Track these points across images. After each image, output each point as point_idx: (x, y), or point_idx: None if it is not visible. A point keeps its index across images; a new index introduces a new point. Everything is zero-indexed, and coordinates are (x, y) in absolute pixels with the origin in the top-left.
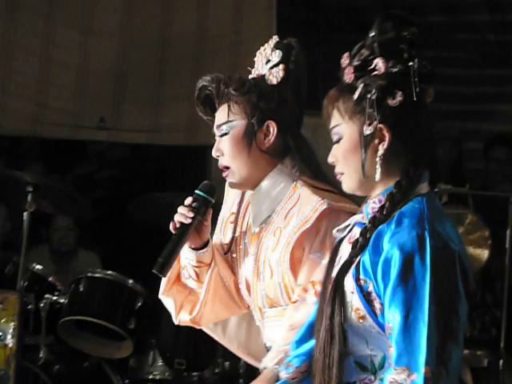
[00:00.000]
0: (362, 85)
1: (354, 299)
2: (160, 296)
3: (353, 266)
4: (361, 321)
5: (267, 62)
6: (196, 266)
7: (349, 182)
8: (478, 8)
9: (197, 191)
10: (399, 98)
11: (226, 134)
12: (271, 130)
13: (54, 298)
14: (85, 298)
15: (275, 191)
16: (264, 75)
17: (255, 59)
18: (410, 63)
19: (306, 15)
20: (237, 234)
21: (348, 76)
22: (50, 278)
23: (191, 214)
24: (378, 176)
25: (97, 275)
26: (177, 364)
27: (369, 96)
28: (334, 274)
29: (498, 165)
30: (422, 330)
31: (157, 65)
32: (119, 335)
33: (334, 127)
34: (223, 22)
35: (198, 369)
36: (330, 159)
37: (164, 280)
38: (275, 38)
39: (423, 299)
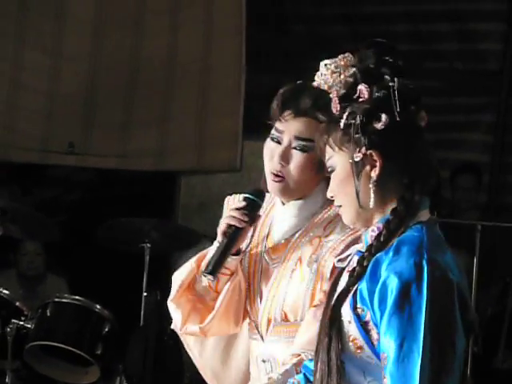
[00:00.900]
0: (346, 113)
1: (351, 329)
2: (169, 302)
3: (350, 295)
4: (358, 351)
5: None
6: (221, 273)
7: (347, 214)
8: (447, 37)
9: (248, 195)
10: (384, 120)
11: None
12: None
13: (21, 322)
14: (52, 323)
15: (312, 208)
16: None
17: None
18: (391, 83)
19: (275, 42)
20: (253, 244)
21: (335, 107)
22: (17, 303)
23: (246, 218)
24: (371, 203)
25: (64, 300)
26: None
27: (354, 122)
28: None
29: (464, 193)
30: (416, 361)
31: (126, 90)
32: (86, 360)
33: (327, 161)
34: (193, 48)
35: None
36: (329, 193)
37: (175, 286)
38: None
39: (418, 329)
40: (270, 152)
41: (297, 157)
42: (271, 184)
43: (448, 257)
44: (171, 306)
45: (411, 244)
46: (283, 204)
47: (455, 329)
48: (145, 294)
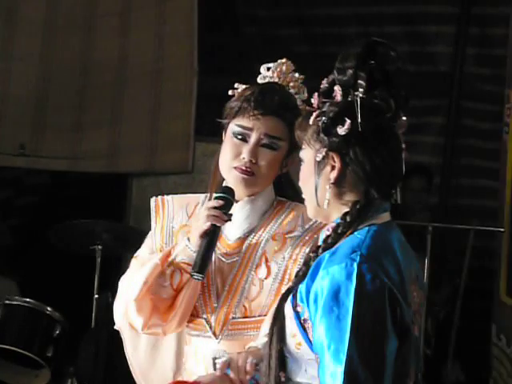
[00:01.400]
0: (318, 111)
1: (291, 325)
2: (130, 302)
3: (292, 293)
4: (298, 347)
5: None
6: (185, 271)
7: (308, 208)
8: (398, 39)
9: (222, 194)
10: (347, 126)
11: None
12: None
13: None
14: (2, 326)
15: (265, 205)
16: None
17: None
18: (356, 93)
19: (228, 43)
20: None
21: (314, 101)
22: None
23: (225, 217)
24: (325, 204)
25: (14, 302)
26: None
27: (321, 121)
28: None
29: (415, 195)
30: (342, 362)
31: (77, 91)
32: (37, 363)
33: (300, 152)
34: (144, 50)
35: None
36: (300, 183)
37: (138, 284)
38: None
39: (345, 332)
40: (236, 148)
41: (266, 154)
42: (238, 178)
43: (389, 259)
44: (132, 305)
45: (348, 247)
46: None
47: (383, 331)
48: (96, 295)
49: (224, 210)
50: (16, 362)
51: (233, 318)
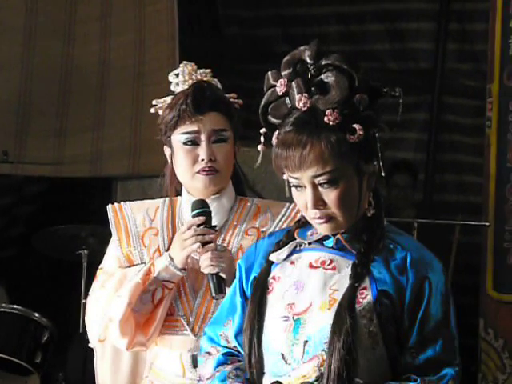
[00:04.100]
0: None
1: (368, 324)
2: (115, 324)
3: (367, 292)
4: (374, 347)
5: None
6: (170, 288)
7: (345, 221)
8: (379, 37)
9: (201, 209)
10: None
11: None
12: None
13: None
14: None
15: (229, 202)
16: None
17: None
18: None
19: (209, 45)
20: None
21: (332, 117)
22: None
23: (212, 232)
24: (371, 210)
25: (2, 309)
26: None
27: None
28: (291, 299)
29: (400, 191)
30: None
31: (59, 96)
32: (26, 369)
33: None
34: (125, 54)
35: None
36: (335, 206)
37: (122, 306)
38: None
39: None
40: (190, 155)
41: (220, 148)
42: (204, 180)
43: None
44: (116, 327)
45: (421, 246)
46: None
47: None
48: (83, 300)
49: (208, 225)
50: (4, 368)
51: (212, 314)
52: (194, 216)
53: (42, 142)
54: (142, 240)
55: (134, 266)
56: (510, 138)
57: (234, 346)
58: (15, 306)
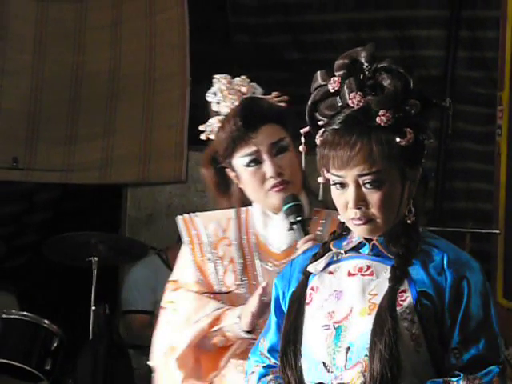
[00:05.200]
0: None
1: (410, 327)
2: (172, 360)
3: (407, 294)
4: (417, 349)
5: None
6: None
7: (386, 223)
8: (389, 44)
9: (291, 204)
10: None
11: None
12: None
13: None
14: (0, 340)
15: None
16: None
17: None
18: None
19: (219, 53)
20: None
21: (408, 136)
22: None
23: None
24: (413, 211)
25: (12, 316)
26: None
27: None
28: (339, 308)
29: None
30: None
31: (69, 104)
32: (35, 376)
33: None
34: (136, 61)
35: None
36: (376, 208)
37: (182, 346)
38: None
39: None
40: (257, 175)
41: (285, 159)
42: (278, 196)
43: None
44: (174, 363)
45: (457, 249)
46: (274, 213)
47: None
48: (93, 307)
49: (300, 216)
50: (14, 375)
51: None
52: (286, 210)
53: (52, 149)
54: (215, 249)
55: (207, 281)
56: None
57: (274, 363)
58: (25, 313)
